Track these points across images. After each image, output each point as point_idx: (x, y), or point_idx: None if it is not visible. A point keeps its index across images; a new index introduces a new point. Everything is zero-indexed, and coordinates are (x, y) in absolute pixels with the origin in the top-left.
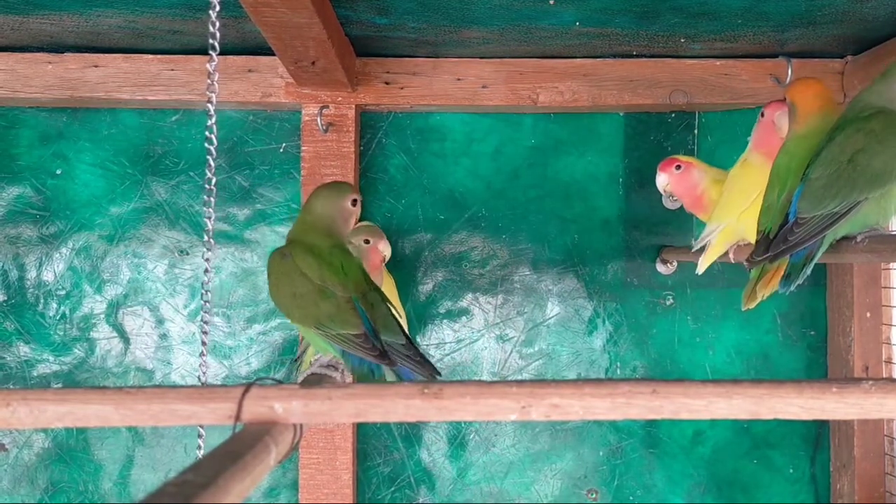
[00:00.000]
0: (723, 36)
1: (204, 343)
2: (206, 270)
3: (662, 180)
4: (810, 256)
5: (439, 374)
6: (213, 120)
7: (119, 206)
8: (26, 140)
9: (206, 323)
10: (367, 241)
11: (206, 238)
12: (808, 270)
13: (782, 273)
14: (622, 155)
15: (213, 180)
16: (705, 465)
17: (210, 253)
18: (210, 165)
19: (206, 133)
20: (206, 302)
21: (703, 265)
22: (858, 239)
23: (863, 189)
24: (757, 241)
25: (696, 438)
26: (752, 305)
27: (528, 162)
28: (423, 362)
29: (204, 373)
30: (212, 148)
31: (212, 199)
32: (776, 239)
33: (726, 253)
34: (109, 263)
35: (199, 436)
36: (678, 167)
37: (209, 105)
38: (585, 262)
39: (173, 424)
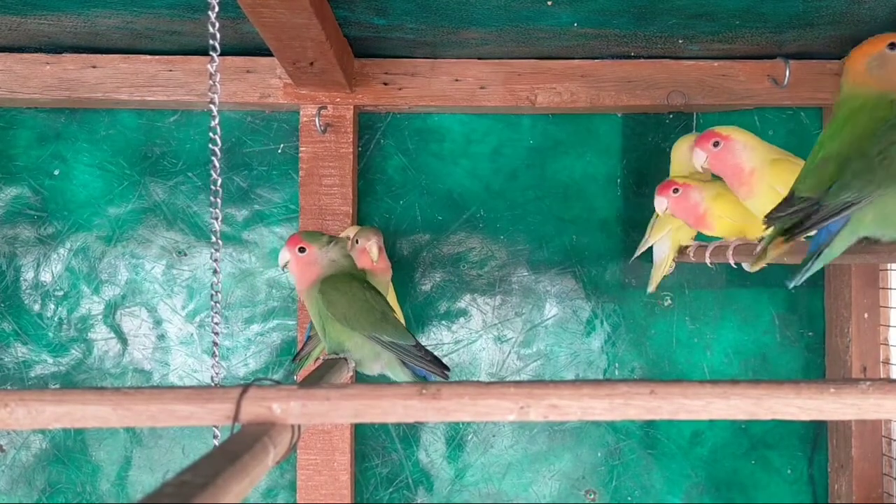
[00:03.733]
0: (721, 37)
1: (216, 343)
2: (214, 271)
3: (661, 205)
4: (820, 251)
5: (448, 369)
6: (217, 121)
7: (117, 206)
8: (24, 140)
9: (216, 324)
10: (356, 242)
11: (213, 239)
12: (815, 266)
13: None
14: (620, 156)
15: (219, 181)
16: (703, 465)
17: (218, 254)
18: (215, 166)
19: (210, 134)
20: (215, 303)
21: (654, 283)
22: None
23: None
24: (786, 198)
25: (695, 439)
26: (758, 268)
27: (526, 163)
28: (435, 361)
29: (217, 373)
30: (216, 149)
31: (218, 200)
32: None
33: (725, 254)
34: (107, 264)
35: (215, 437)
36: (676, 190)
37: (212, 106)
38: (584, 262)
39: (171, 425)
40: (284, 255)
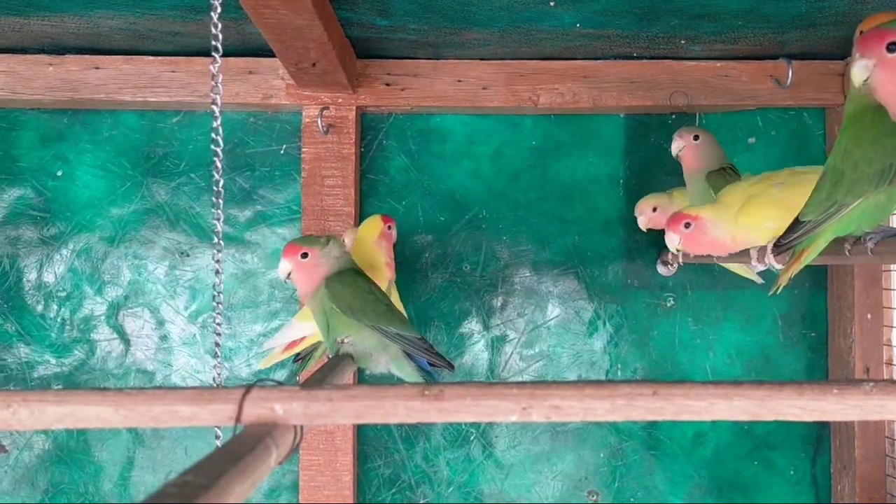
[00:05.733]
0: (723, 37)
1: (217, 345)
2: (217, 272)
3: (674, 241)
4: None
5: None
6: (219, 121)
7: (120, 207)
8: (27, 142)
9: (219, 325)
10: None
11: (215, 240)
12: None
13: (801, 259)
14: (623, 156)
15: (221, 182)
16: (706, 466)
17: (220, 255)
18: (217, 167)
19: (213, 135)
20: (218, 304)
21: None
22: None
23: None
24: (791, 226)
25: (697, 440)
26: (780, 289)
27: (528, 163)
28: (440, 355)
29: (219, 374)
30: (219, 150)
31: (220, 201)
32: None
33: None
34: (110, 265)
35: (217, 437)
36: (687, 224)
37: (214, 107)
38: (586, 263)
39: (174, 426)
40: (286, 266)
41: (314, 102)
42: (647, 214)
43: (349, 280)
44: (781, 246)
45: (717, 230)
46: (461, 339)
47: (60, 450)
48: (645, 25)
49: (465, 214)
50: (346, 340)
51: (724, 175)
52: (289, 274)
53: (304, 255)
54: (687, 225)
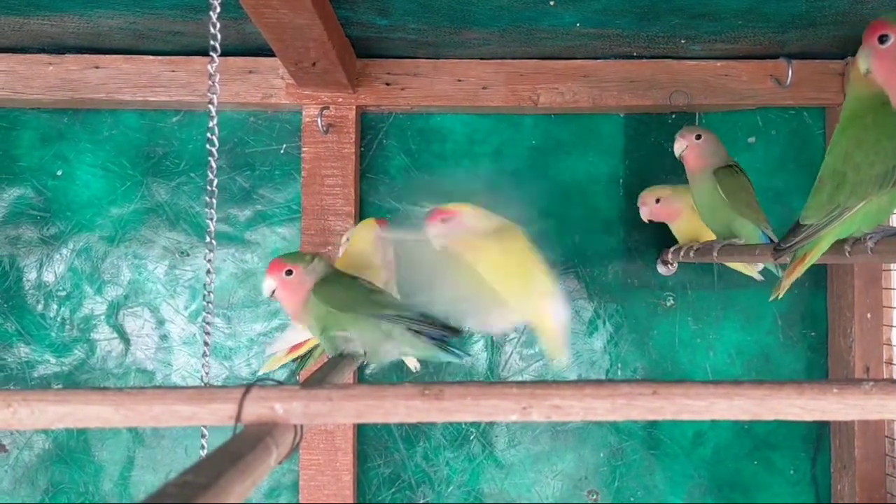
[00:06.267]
0: (723, 37)
1: (206, 344)
2: (208, 272)
3: (437, 233)
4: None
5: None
6: (215, 121)
7: (120, 207)
8: (27, 141)
9: (208, 324)
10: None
11: (207, 239)
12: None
13: (804, 263)
14: (623, 156)
15: (215, 181)
16: (706, 466)
17: (212, 254)
18: (212, 167)
19: (208, 135)
20: (208, 303)
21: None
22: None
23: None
24: (792, 228)
25: (697, 439)
26: (781, 293)
27: (528, 163)
28: (443, 325)
29: (207, 373)
30: (213, 149)
31: (213, 201)
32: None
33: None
34: (110, 264)
35: (203, 436)
36: (444, 220)
37: (211, 106)
38: (586, 263)
39: (174, 425)
40: (270, 284)
41: (314, 102)
42: (650, 205)
43: (335, 280)
44: (783, 250)
45: (465, 228)
46: (461, 339)
47: (60, 449)
48: (645, 25)
49: None
50: (348, 339)
51: (731, 171)
52: (273, 291)
53: (289, 273)
54: (444, 220)
